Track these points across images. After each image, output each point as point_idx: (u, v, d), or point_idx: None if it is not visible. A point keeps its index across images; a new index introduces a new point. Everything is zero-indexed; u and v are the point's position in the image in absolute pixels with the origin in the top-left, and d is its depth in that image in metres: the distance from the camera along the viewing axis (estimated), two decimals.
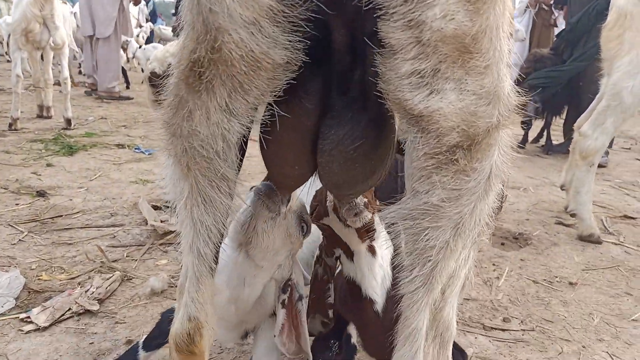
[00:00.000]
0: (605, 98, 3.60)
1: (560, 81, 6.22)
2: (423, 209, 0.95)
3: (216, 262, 1.20)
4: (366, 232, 1.44)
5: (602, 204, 4.58)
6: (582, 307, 2.67)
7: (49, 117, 6.65)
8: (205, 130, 0.96)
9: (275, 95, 0.93)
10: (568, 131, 6.16)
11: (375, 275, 1.50)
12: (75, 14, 9.74)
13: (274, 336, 1.56)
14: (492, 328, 2.43)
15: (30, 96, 7.60)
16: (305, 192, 1.58)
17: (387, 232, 1.04)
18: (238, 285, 1.49)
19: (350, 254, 1.53)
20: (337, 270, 1.64)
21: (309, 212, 1.57)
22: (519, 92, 0.93)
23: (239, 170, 1.10)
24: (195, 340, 1.19)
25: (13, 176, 4.09)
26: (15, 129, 5.83)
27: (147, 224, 3.27)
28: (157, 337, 1.70)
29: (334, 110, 1.00)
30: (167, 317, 1.63)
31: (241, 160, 1.09)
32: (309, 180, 1.21)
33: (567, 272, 3.11)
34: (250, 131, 1.04)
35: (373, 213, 1.38)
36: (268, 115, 1.03)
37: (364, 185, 1.13)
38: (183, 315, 1.22)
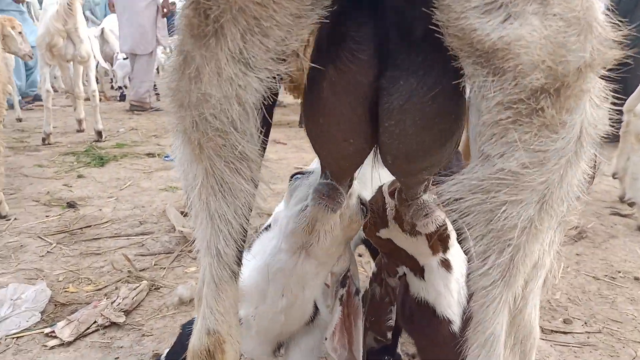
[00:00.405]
0: None
1: None
2: (498, 178, 0.74)
3: (239, 264, 1.02)
4: (439, 240, 1.22)
5: None
6: None
7: (82, 131, 6.66)
8: (217, 91, 0.78)
9: (303, 40, 0.75)
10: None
11: (451, 291, 1.27)
12: (103, 31, 9.79)
13: (325, 339, 1.37)
14: (552, 331, 2.19)
15: (64, 112, 7.68)
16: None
17: (450, 210, 0.82)
18: (297, 290, 1.32)
19: (418, 271, 1.29)
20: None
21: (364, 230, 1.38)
22: (614, 22, 0.72)
23: (263, 150, 0.91)
24: (217, 358, 1.00)
25: (45, 189, 4.05)
26: (49, 144, 5.83)
27: (175, 230, 3.15)
28: (180, 352, 1.52)
29: (397, 59, 0.81)
30: (188, 330, 1.46)
31: (266, 138, 0.90)
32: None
33: (630, 267, 2.84)
34: (276, 96, 0.85)
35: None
36: (310, 79, 0.86)
37: (440, 156, 0.91)
38: (201, 328, 1.05)
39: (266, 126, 0.89)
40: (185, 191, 1.00)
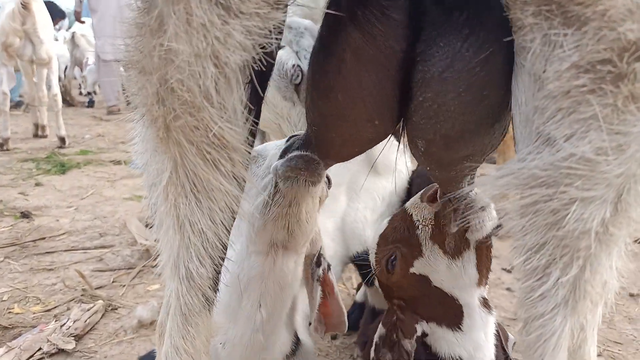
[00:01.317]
0: None
1: None
2: (567, 167, 0.55)
3: (215, 290, 0.78)
4: (487, 262, 0.99)
5: None
6: None
7: (44, 137, 6.32)
8: (186, 46, 0.54)
9: None
10: None
11: (489, 341, 1.03)
12: (74, 35, 9.47)
13: (309, 324, 1.23)
14: None
15: (26, 116, 7.34)
16: None
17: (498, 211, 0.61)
18: (276, 295, 1.11)
19: (454, 319, 1.03)
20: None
21: (380, 270, 1.16)
22: None
23: (252, 138, 0.68)
24: None
25: None
26: (7, 149, 5.49)
27: (137, 243, 2.88)
28: None
29: (435, 17, 0.63)
30: None
31: (256, 120, 0.67)
32: None
33: (624, 282, 2.63)
34: (272, 61, 0.61)
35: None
36: (321, 48, 0.67)
37: (487, 140, 0.71)
38: None
39: (257, 104, 0.65)
40: (148, 190, 0.75)
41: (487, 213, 0.91)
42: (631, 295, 2.53)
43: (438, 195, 0.99)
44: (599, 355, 1.97)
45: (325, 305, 1.22)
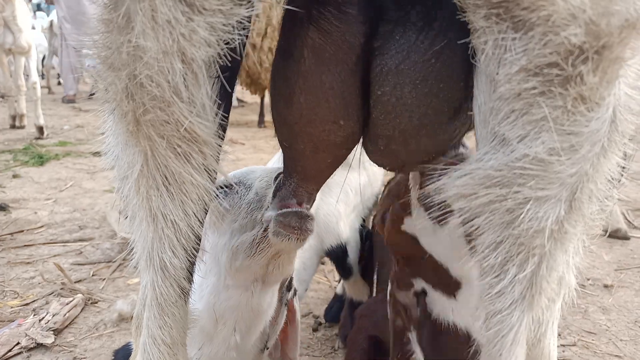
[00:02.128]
0: None
1: None
2: (520, 167, 0.57)
3: (190, 280, 0.79)
4: None
5: (620, 197, 4.18)
6: (624, 314, 2.34)
7: (22, 127, 6.22)
8: (153, 43, 0.55)
9: None
10: None
11: None
12: (53, 24, 9.30)
13: (266, 349, 1.19)
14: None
15: (3, 107, 7.18)
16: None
17: (455, 210, 0.64)
18: (250, 321, 1.11)
19: (448, 287, 1.00)
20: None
21: (377, 220, 1.19)
22: None
23: (222, 132, 0.69)
24: None
25: None
26: None
27: (117, 236, 2.87)
28: None
29: (391, 12, 0.64)
30: (122, 358, 1.19)
31: (225, 114, 0.68)
32: None
33: (599, 273, 2.76)
34: (237, 57, 0.62)
35: None
36: (282, 51, 0.67)
37: (446, 135, 0.72)
38: None
39: (225, 99, 0.66)
40: (119, 183, 0.75)
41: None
42: (605, 286, 2.59)
43: (405, 187, 0.99)
44: (573, 345, 2.04)
45: (284, 332, 1.23)
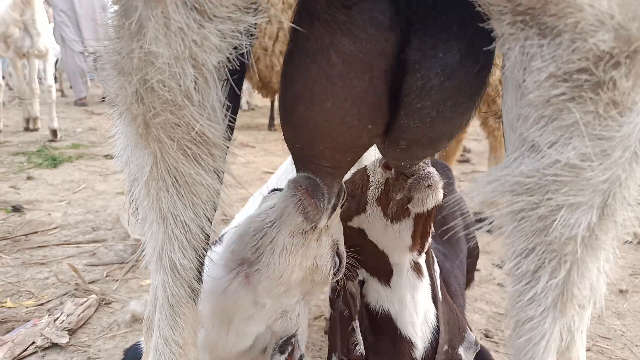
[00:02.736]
0: None
1: None
2: (553, 174, 0.56)
3: (200, 281, 0.80)
4: (423, 231, 1.03)
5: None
6: None
7: (36, 130, 6.29)
8: (165, 49, 0.57)
9: None
10: None
11: (417, 306, 1.06)
12: None
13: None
14: None
15: (18, 109, 7.27)
16: None
17: (483, 219, 0.62)
18: (220, 326, 1.00)
19: (384, 275, 1.09)
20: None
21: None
22: None
23: (230, 134, 0.70)
24: None
25: None
26: None
27: (130, 238, 2.88)
28: None
29: (424, 25, 0.65)
30: (132, 357, 1.20)
31: (233, 116, 0.69)
32: None
33: (613, 278, 2.68)
34: (245, 61, 0.63)
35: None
36: (301, 54, 0.68)
37: (456, 135, 0.76)
38: None
39: (234, 101, 0.67)
40: (129, 185, 0.77)
41: (431, 191, 0.95)
42: (620, 291, 2.56)
43: (367, 183, 1.05)
44: (587, 350, 2.00)
45: None
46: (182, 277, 0.77)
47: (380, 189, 1.04)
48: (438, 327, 1.08)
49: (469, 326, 1.13)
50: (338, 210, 1.01)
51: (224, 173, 0.71)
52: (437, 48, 0.65)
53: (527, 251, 0.62)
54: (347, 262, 1.11)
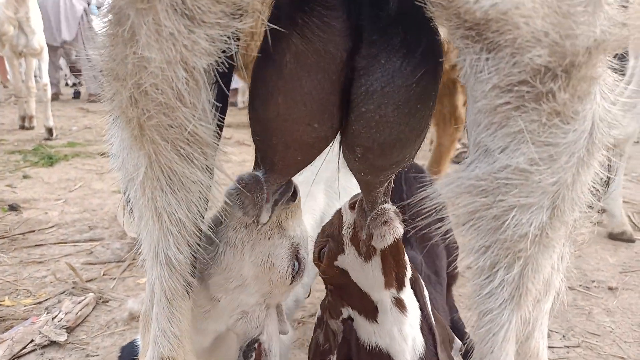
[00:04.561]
0: (635, 81, 3.27)
1: None
2: (503, 177, 0.61)
3: (194, 275, 0.84)
4: (394, 266, 1.06)
5: (625, 199, 4.17)
6: (629, 317, 2.34)
7: (31, 128, 6.30)
8: (157, 54, 0.60)
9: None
10: None
11: (405, 338, 1.11)
12: None
13: None
14: None
15: (13, 107, 7.27)
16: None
17: (445, 217, 0.69)
18: None
19: (370, 312, 1.12)
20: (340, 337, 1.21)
21: (314, 256, 1.16)
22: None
23: (220, 132, 0.73)
24: None
25: None
26: None
27: (127, 236, 2.91)
28: None
29: (373, 34, 0.69)
30: (128, 354, 1.23)
31: (222, 116, 0.72)
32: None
33: (604, 276, 2.76)
34: (233, 63, 0.66)
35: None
36: (265, 52, 0.70)
37: (414, 147, 0.79)
38: (153, 356, 0.86)
39: (222, 101, 0.71)
40: (125, 185, 0.80)
41: (388, 227, 0.98)
42: (610, 288, 2.60)
43: (357, 205, 1.07)
44: (577, 346, 2.05)
45: None
46: (178, 271, 0.80)
47: (351, 229, 1.08)
48: (424, 355, 1.12)
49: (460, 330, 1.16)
50: (298, 215, 1.06)
51: (214, 169, 0.75)
52: (380, 55, 0.69)
53: (484, 248, 0.66)
54: (330, 301, 1.17)
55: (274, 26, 0.64)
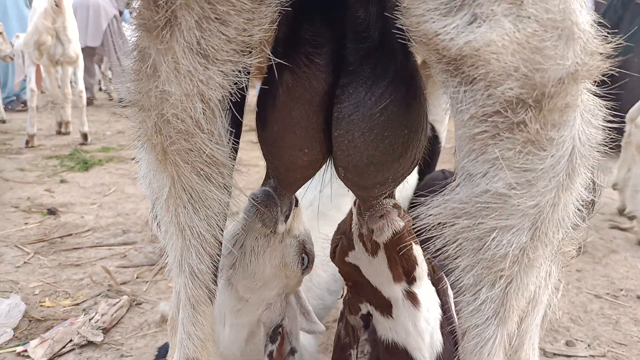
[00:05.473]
0: None
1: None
2: (484, 201, 0.65)
3: (215, 282, 0.91)
4: (401, 260, 1.08)
5: None
6: None
7: (67, 133, 6.51)
8: (176, 88, 0.67)
9: (267, 30, 0.67)
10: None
11: (421, 333, 1.12)
12: None
13: None
14: (554, 354, 2.06)
15: (50, 113, 7.52)
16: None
17: (434, 237, 0.73)
18: (218, 322, 1.17)
19: (386, 307, 1.15)
20: (363, 333, 1.25)
21: (330, 252, 1.24)
22: (602, 33, 0.64)
23: (235, 154, 0.81)
24: None
25: (25, 194, 3.90)
26: (32, 146, 5.68)
27: (159, 241, 2.98)
28: None
29: (350, 65, 0.76)
30: (164, 354, 1.32)
31: (237, 139, 0.79)
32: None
33: (632, 284, 2.71)
34: (245, 93, 0.73)
35: (408, 228, 1.03)
36: (265, 85, 0.79)
37: (396, 169, 0.84)
38: (179, 358, 0.93)
39: (236, 126, 0.79)
40: (152, 202, 0.87)
41: (384, 220, 1.01)
42: (638, 297, 2.56)
43: (356, 202, 1.11)
44: (602, 355, 2.03)
45: None
46: (200, 280, 0.87)
47: (357, 226, 1.12)
48: (442, 354, 1.13)
49: None
50: (300, 216, 1.18)
51: (232, 187, 0.82)
52: (350, 85, 0.75)
53: (468, 267, 0.70)
54: (350, 298, 1.25)
55: (278, 60, 0.70)
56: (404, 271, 1.11)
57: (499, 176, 0.63)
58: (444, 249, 0.70)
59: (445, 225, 0.69)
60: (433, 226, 0.70)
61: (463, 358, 0.76)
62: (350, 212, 1.19)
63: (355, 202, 1.15)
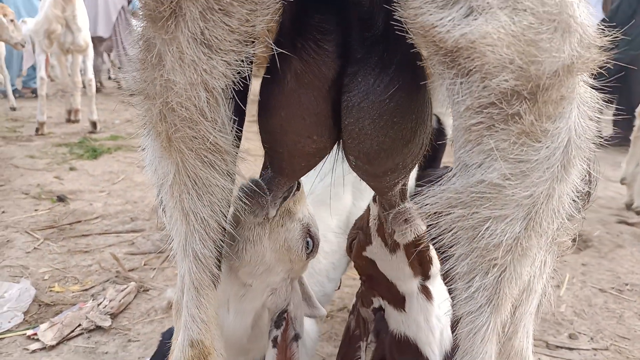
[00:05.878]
0: None
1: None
2: (479, 191, 0.66)
3: (219, 267, 0.92)
4: (419, 259, 1.11)
5: None
6: None
7: (77, 121, 6.55)
8: (181, 77, 0.69)
9: (269, 21, 0.68)
10: (617, 122, 5.55)
11: (432, 328, 1.14)
12: None
13: None
14: (557, 347, 2.07)
15: (60, 101, 7.57)
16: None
17: (430, 226, 0.74)
18: (221, 307, 1.16)
19: (399, 301, 1.18)
20: (374, 326, 1.27)
21: (346, 247, 1.26)
22: (599, 27, 0.65)
23: (238, 142, 0.83)
24: None
25: (35, 181, 3.95)
26: (42, 134, 5.74)
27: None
28: None
29: (357, 54, 0.77)
30: (169, 338, 1.34)
31: (240, 127, 0.81)
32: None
33: (638, 279, 2.71)
34: (247, 81, 0.75)
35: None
36: (270, 71, 0.79)
37: (405, 155, 0.85)
38: (183, 340, 0.95)
39: (239, 115, 0.80)
40: (157, 189, 0.90)
41: (408, 225, 1.03)
42: None
43: (377, 198, 1.12)
44: (605, 349, 2.04)
45: None
46: (204, 264, 0.89)
47: (377, 221, 1.14)
48: (450, 353, 1.14)
49: None
50: (304, 199, 1.16)
51: (235, 174, 0.83)
52: (358, 73, 0.76)
53: (463, 255, 0.71)
54: (363, 291, 1.26)
55: (280, 50, 0.71)
56: (421, 270, 1.14)
57: (494, 167, 0.63)
58: (440, 237, 0.71)
59: (441, 215, 0.70)
60: (429, 215, 0.71)
61: (457, 344, 0.77)
62: (368, 208, 1.21)
63: (375, 198, 1.16)
